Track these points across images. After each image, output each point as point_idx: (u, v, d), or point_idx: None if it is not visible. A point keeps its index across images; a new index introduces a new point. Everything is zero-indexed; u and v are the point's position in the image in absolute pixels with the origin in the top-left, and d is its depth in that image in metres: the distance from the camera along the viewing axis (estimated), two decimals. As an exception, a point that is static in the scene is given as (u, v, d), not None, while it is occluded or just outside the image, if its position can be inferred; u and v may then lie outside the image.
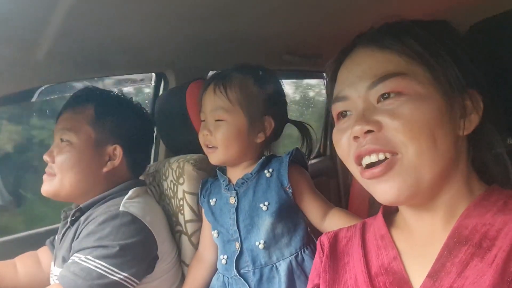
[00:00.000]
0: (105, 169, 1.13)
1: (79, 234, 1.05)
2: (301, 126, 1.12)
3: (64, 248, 1.11)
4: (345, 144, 0.63)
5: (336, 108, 0.66)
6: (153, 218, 1.08)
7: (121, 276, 0.99)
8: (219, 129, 1.00)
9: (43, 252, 1.28)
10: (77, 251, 1.01)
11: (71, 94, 1.24)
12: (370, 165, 0.60)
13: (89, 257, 0.99)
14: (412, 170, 0.58)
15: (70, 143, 1.11)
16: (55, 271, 1.12)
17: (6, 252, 1.29)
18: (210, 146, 1.02)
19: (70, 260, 1.01)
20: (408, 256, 0.63)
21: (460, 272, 0.55)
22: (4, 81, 1.21)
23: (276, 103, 1.04)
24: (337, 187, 2.01)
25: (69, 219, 1.12)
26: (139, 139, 1.19)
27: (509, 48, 0.70)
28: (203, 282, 1.10)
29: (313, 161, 2.01)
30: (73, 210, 1.13)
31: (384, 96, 0.60)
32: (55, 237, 1.23)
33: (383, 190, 0.59)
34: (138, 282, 1.03)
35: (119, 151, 1.14)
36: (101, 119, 1.13)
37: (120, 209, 1.05)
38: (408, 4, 0.91)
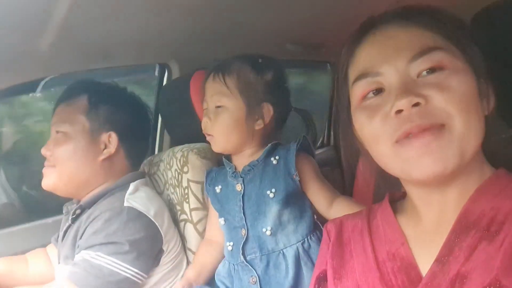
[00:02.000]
0: (101, 157, 1.13)
1: (83, 232, 1.05)
2: (305, 114, 1.12)
3: (66, 245, 1.11)
4: (378, 123, 0.59)
5: (364, 85, 0.62)
6: (157, 211, 1.09)
7: (132, 272, 1.01)
8: (218, 116, 1.01)
9: (51, 249, 1.29)
10: (85, 248, 1.01)
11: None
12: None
13: (99, 253, 0.99)
14: (460, 141, 0.56)
15: (65, 134, 1.12)
16: (59, 269, 1.13)
17: (13, 242, 1.30)
18: (209, 133, 1.04)
19: (79, 257, 1.01)
20: (416, 241, 0.63)
21: (467, 256, 0.55)
22: (8, 73, 1.22)
23: (276, 90, 1.04)
24: (341, 178, 2.01)
25: (70, 217, 1.13)
26: (134, 126, 1.19)
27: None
28: (211, 267, 1.11)
29: (317, 151, 2.01)
30: (74, 207, 1.13)
31: (427, 71, 0.58)
32: (58, 234, 1.24)
33: (428, 163, 0.56)
34: (146, 276, 1.05)
35: (114, 138, 1.14)
36: (94, 108, 1.14)
37: (125, 205, 1.05)
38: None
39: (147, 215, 1.06)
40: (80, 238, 1.06)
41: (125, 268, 1.00)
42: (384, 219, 0.68)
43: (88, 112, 1.13)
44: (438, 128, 0.56)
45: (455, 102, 0.56)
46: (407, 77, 0.59)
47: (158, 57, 1.52)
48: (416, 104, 0.56)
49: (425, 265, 0.60)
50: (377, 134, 0.60)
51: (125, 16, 1.04)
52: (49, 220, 1.43)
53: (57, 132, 1.13)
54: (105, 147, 1.14)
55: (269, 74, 1.03)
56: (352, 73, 0.65)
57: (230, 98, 1.01)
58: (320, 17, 1.34)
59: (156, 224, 1.07)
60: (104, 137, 1.14)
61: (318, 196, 1.01)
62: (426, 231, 0.63)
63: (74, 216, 1.12)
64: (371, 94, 0.62)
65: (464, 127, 0.56)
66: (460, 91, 0.57)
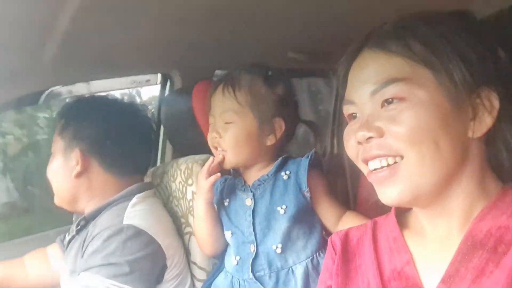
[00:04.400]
0: (74, 173, 1.14)
1: (86, 247, 1.04)
2: (313, 126, 1.09)
3: (70, 258, 1.11)
4: (353, 146, 0.63)
5: (346, 109, 0.66)
6: (159, 227, 1.07)
7: None
8: (228, 131, 0.98)
9: (53, 250, 1.28)
10: (85, 270, 1.00)
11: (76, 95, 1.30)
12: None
13: (98, 277, 0.98)
14: (414, 175, 0.57)
15: (52, 154, 1.18)
16: (67, 281, 1.12)
17: (17, 254, 1.29)
18: (220, 149, 1.01)
19: (80, 282, 1.00)
20: (422, 260, 0.62)
21: (474, 278, 0.54)
22: (12, 85, 1.22)
23: (287, 104, 1.02)
24: (345, 186, 2.00)
25: (74, 229, 1.13)
26: (104, 137, 1.16)
27: None
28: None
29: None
30: (78, 219, 1.13)
31: (388, 102, 0.59)
32: (66, 235, 1.24)
33: (386, 193, 0.60)
34: None
35: (79, 154, 1.15)
36: (65, 127, 1.18)
37: (124, 222, 1.04)
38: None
39: (148, 232, 1.04)
40: (82, 255, 1.05)
41: None
42: (390, 235, 0.67)
43: (61, 132, 1.18)
44: (392, 161, 0.59)
45: (406, 136, 0.57)
46: (373, 108, 0.61)
47: (161, 67, 1.52)
48: (371, 138, 0.60)
49: (430, 285, 0.59)
50: (351, 155, 0.65)
51: (126, 27, 1.04)
52: (51, 232, 1.43)
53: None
54: (77, 164, 1.15)
55: (280, 87, 1.00)
56: (345, 95, 0.67)
57: (240, 114, 0.97)
58: (322, 25, 1.33)
59: (158, 240, 1.05)
60: (74, 154, 1.15)
61: (327, 212, 0.99)
62: (433, 249, 0.62)
63: (78, 227, 1.12)
64: (352, 118, 0.66)
65: (416, 161, 0.57)
66: (413, 125, 0.56)
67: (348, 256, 0.71)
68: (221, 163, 1.00)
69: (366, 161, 0.61)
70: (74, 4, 0.84)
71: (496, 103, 0.58)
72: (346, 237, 0.73)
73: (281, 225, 0.96)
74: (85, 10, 0.88)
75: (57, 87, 1.40)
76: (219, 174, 1.00)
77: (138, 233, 1.02)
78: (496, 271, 0.53)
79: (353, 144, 0.63)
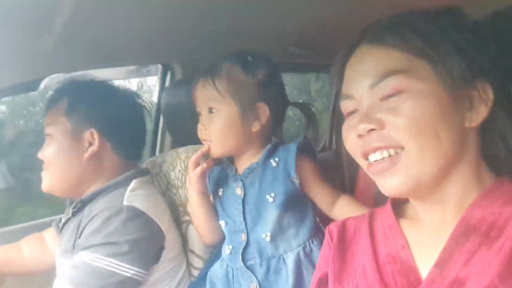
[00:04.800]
0: (86, 155, 1.12)
1: (83, 229, 1.04)
2: (304, 109, 1.08)
3: (64, 239, 1.11)
4: (353, 141, 0.64)
5: (343, 105, 0.67)
6: (157, 209, 1.08)
7: (133, 272, 1.00)
8: (213, 122, 0.98)
9: (49, 234, 1.28)
10: (84, 249, 1.01)
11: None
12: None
13: (98, 255, 0.98)
14: (415, 165, 0.59)
15: (51, 136, 1.13)
16: (60, 261, 1.12)
17: (11, 241, 1.29)
18: (206, 140, 1.01)
19: (78, 259, 1.01)
20: (416, 245, 0.63)
21: (466, 261, 0.56)
22: (11, 71, 1.21)
23: (270, 88, 1.00)
24: (342, 182, 2.00)
25: (70, 210, 1.12)
26: (118, 119, 1.17)
27: None
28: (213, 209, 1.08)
29: (318, 155, 2.00)
30: (75, 202, 1.13)
31: (387, 94, 0.60)
32: (61, 219, 1.24)
33: (387, 184, 0.61)
34: (147, 273, 1.04)
35: (95, 135, 1.13)
36: (74, 107, 1.14)
37: (124, 203, 1.04)
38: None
39: (147, 213, 1.05)
40: (80, 235, 1.05)
41: (125, 268, 0.99)
42: (386, 222, 0.69)
43: (68, 112, 1.13)
44: (392, 150, 0.60)
45: (407, 128, 0.58)
46: (372, 100, 0.62)
47: (161, 58, 1.51)
48: (372, 130, 0.60)
49: (425, 269, 0.60)
50: (351, 150, 0.66)
51: (128, 16, 1.03)
52: (47, 219, 1.42)
53: (46, 135, 1.14)
54: (90, 145, 1.13)
55: (261, 72, 0.99)
56: (342, 91, 0.68)
57: (222, 102, 0.97)
58: (324, 20, 1.33)
59: (156, 221, 1.06)
60: (86, 135, 1.13)
61: (320, 196, 1.00)
62: (427, 234, 0.64)
63: (75, 209, 1.12)
64: (350, 113, 0.66)
65: (417, 152, 0.58)
66: (414, 116, 0.58)
67: (345, 244, 0.72)
68: (208, 153, 1.00)
69: (366, 155, 0.62)
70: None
71: (491, 94, 0.60)
72: (343, 226, 0.75)
73: (271, 213, 0.96)
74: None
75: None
76: (205, 165, 1.00)
77: (138, 214, 1.03)
78: (488, 254, 0.54)
79: (352, 138, 0.64)
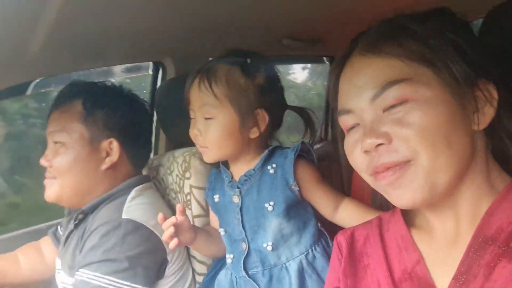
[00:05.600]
0: (104, 167, 1.08)
1: (84, 242, 1.01)
2: (302, 113, 1.04)
3: (68, 253, 1.08)
4: (358, 157, 0.61)
5: (343, 121, 0.63)
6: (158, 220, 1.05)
7: None
8: (209, 128, 0.94)
9: (45, 243, 1.25)
10: (83, 267, 0.98)
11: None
12: None
13: (97, 274, 0.95)
14: (427, 175, 0.56)
15: (64, 144, 1.06)
16: (63, 278, 1.09)
17: (7, 249, 1.26)
18: (202, 146, 0.97)
19: (78, 277, 0.98)
20: (431, 258, 0.61)
21: (487, 274, 0.54)
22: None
23: (270, 92, 0.96)
24: (339, 172, 1.99)
25: (72, 223, 1.09)
26: (135, 129, 1.13)
27: None
28: (211, 237, 1.04)
29: (314, 146, 1.99)
30: (76, 213, 1.09)
31: (391, 105, 0.57)
32: (57, 228, 1.21)
33: (398, 195, 0.58)
34: None
35: (115, 145, 1.09)
36: (91, 113, 1.08)
37: (123, 217, 1.01)
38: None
39: (147, 226, 1.02)
40: (81, 250, 1.02)
41: (126, 286, 0.96)
42: (398, 233, 0.66)
43: (85, 119, 1.07)
44: (403, 164, 0.56)
45: (417, 139, 0.55)
46: (374, 114, 0.59)
47: (153, 55, 1.48)
48: (380, 144, 0.57)
49: (442, 283, 0.58)
50: (357, 166, 0.62)
51: (117, 13, 0.99)
52: (43, 225, 1.40)
53: (55, 142, 1.07)
54: (107, 155, 1.09)
55: (261, 76, 0.94)
56: (339, 105, 0.65)
57: (219, 109, 0.92)
58: (317, 12, 1.31)
59: (157, 234, 1.02)
60: (104, 144, 1.08)
61: (322, 201, 0.97)
62: (442, 246, 0.61)
63: (76, 221, 1.08)
64: (350, 128, 0.63)
65: (429, 160, 0.55)
66: (423, 126, 0.55)
67: (355, 256, 0.69)
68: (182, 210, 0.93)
69: (377, 174, 0.58)
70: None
71: (495, 94, 0.58)
72: (352, 237, 0.72)
73: (271, 222, 0.94)
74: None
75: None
76: (175, 240, 0.89)
77: (137, 227, 1.00)
78: (510, 266, 0.52)
79: (358, 154, 0.60)
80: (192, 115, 0.98)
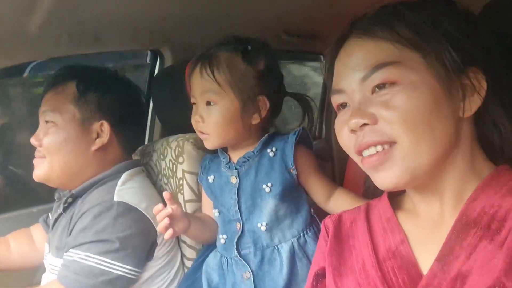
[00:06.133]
0: (94, 148, 1.09)
1: (74, 225, 1.02)
2: (301, 99, 1.05)
3: (56, 235, 1.08)
4: (346, 136, 0.63)
5: (334, 100, 0.66)
6: (149, 203, 1.05)
7: (125, 270, 0.98)
8: (211, 115, 0.95)
9: (36, 230, 1.25)
10: (74, 247, 0.98)
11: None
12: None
13: (88, 254, 0.96)
14: (409, 158, 0.58)
15: (55, 124, 1.07)
16: (51, 259, 1.10)
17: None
18: (203, 132, 0.98)
19: (68, 258, 0.98)
20: (415, 239, 0.63)
21: (468, 255, 0.55)
22: (-4, 56, 1.17)
23: (270, 79, 0.97)
24: (332, 170, 2.01)
25: (61, 206, 1.09)
26: (127, 113, 1.14)
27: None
28: (204, 223, 1.05)
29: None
30: (66, 195, 1.10)
31: (379, 87, 0.59)
32: (48, 215, 1.21)
33: (382, 178, 0.60)
34: (141, 271, 1.02)
35: (106, 127, 1.10)
36: (84, 95, 1.09)
37: (115, 199, 1.02)
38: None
39: (138, 208, 1.02)
40: (70, 232, 1.02)
41: (117, 266, 0.97)
42: (383, 215, 0.68)
43: (78, 100, 1.08)
44: (386, 146, 0.58)
45: (401, 121, 0.57)
46: (363, 95, 0.61)
47: (150, 43, 1.48)
48: (365, 124, 0.59)
49: (425, 263, 0.60)
50: (345, 145, 0.65)
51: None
52: (34, 209, 1.40)
53: (47, 122, 1.08)
54: (97, 136, 1.10)
55: (262, 62, 0.96)
56: (332, 85, 0.67)
57: (221, 95, 0.93)
58: (315, 8, 1.32)
59: (148, 217, 1.03)
60: (96, 126, 1.09)
61: (317, 189, 0.99)
62: (426, 228, 0.63)
63: (66, 204, 1.09)
64: (341, 108, 0.66)
65: (411, 144, 0.57)
66: (407, 109, 0.57)
67: (341, 237, 0.71)
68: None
69: (360, 151, 0.61)
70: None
71: (484, 83, 0.59)
72: (339, 220, 0.74)
73: (267, 203, 0.95)
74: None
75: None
76: (170, 230, 0.88)
77: (129, 209, 1.01)
78: (490, 247, 0.54)
79: (345, 133, 0.63)
80: (193, 100, 0.99)
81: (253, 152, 0.99)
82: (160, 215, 0.88)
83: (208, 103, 0.95)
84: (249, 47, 0.96)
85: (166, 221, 0.87)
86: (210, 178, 1.03)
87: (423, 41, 0.59)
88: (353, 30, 0.65)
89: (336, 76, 0.66)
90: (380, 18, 0.62)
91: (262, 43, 0.99)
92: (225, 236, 1.00)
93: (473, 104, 0.60)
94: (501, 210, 0.56)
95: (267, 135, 0.99)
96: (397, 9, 0.62)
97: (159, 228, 0.88)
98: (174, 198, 1.15)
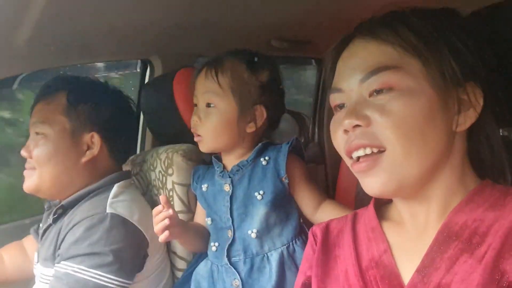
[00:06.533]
0: (84, 159, 1.08)
1: (63, 237, 1.01)
2: (298, 118, 1.10)
3: (45, 247, 1.07)
4: (339, 137, 0.63)
5: (332, 99, 0.66)
6: (141, 215, 1.05)
7: (118, 282, 0.97)
8: (209, 117, 0.99)
9: (28, 241, 1.25)
10: (66, 259, 0.97)
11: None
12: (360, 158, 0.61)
13: (82, 267, 0.95)
14: (398, 166, 0.58)
15: (45, 135, 1.07)
16: (40, 269, 1.09)
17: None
18: (198, 133, 1.01)
19: (61, 270, 0.97)
20: (399, 249, 0.63)
21: (449, 268, 0.55)
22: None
23: (270, 91, 1.01)
24: (324, 174, 2.01)
25: (51, 217, 1.08)
26: (117, 124, 1.14)
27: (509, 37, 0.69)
28: (197, 231, 1.06)
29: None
30: (55, 207, 1.09)
31: (377, 91, 0.59)
32: (39, 225, 1.20)
33: (369, 184, 0.60)
34: (131, 283, 1.02)
35: (97, 138, 1.09)
36: (74, 106, 1.08)
37: (108, 211, 1.01)
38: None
39: (131, 220, 1.02)
40: (60, 243, 1.02)
41: (110, 280, 0.96)
42: (369, 224, 0.68)
43: (68, 111, 1.08)
44: (376, 152, 0.58)
45: (394, 127, 0.57)
46: (361, 96, 0.61)
47: (140, 53, 1.48)
48: (358, 126, 0.59)
49: (408, 273, 0.60)
50: (337, 145, 0.65)
51: (104, 9, 1.00)
52: (27, 220, 1.38)
53: (37, 133, 1.08)
54: (88, 148, 1.09)
55: (264, 74, 1.00)
56: (332, 84, 0.67)
57: (222, 97, 0.98)
58: (306, 13, 1.32)
59: (141, 229, 1.03)
60: (86, 137, 1.09)
61: (305, 199, 1.00)
62: (410, 238, 0.63)
63: (55, 216, 1.08)
64: (338, 108, 0.66)
65: (401, 152, 0.57)
66: (402, 116, 0.57)
67: (328, 247, 0.71)
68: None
69: (350, 153, 0.61)
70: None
71: (481, 100, 0.59)
72: (327, 229, 0.74)
73: (258, 210, 0.96)
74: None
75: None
76: (167, 233, 0.90)
77: (122, 221, 1.01)
78: (470, 261, 0.54)
79: (339, 134, 0.63)
80: (195, 100, 1.02)
81: (247, 161, 1.00)
82: (159, 216, 0.90)
83: (208, 105, 0.99)
84: (256, 59, 1.01)
85: (166, 222, 0.89)
86: (204, 187, 1.05)
87: (425, 48, 0.59)
88: (358, 31, 0.65)
89: (336, 75, 0.66)
90: (386, 21, 0.63)
91: (269, 58, 1.04)
92: (216, 244, 1.01)
93: (467, 119, 0.60)
94: (483, 225, 0.57)
95: (261, 144, 1.01)
96: (404, 14, 0.62)
97: (156, 229, 0.89)
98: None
